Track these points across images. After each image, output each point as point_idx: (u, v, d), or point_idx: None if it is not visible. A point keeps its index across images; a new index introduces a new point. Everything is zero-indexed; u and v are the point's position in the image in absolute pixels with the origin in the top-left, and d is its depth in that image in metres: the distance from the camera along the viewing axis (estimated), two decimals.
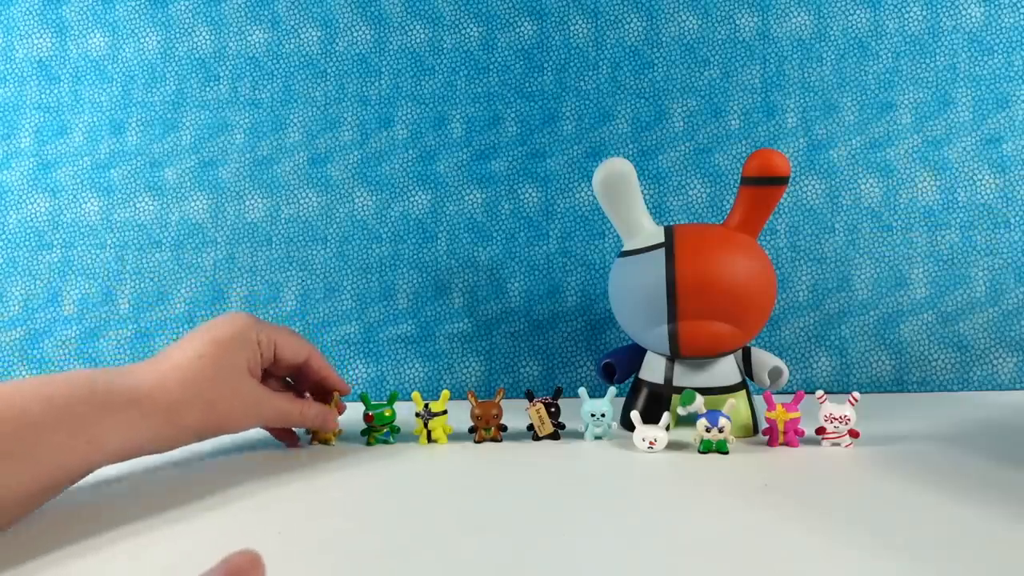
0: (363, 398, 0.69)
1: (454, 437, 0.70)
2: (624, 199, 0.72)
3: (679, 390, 0.70)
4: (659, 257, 0.69)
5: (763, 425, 0.68)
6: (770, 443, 0.65)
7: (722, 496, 0.51)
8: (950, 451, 0.62)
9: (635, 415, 0.66)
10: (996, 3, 0.98)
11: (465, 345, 0.98)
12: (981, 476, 0.54)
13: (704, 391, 0.69)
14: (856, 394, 0.65)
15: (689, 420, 0.68)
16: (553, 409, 0.69)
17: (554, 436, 0.69)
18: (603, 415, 0.68)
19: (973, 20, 0.98)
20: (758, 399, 0.73)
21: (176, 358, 0.51)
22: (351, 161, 1.00)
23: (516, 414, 0.72)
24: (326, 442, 0.69)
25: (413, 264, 0.99)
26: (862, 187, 0.98)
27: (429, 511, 0.48)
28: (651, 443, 0.64)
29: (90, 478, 0.50)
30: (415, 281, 0.99)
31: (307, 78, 1.01)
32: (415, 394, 0.69)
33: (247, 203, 0.99)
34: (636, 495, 0.52)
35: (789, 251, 0.97)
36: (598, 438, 0.69)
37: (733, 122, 0.99)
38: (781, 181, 0.68)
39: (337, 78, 1.01)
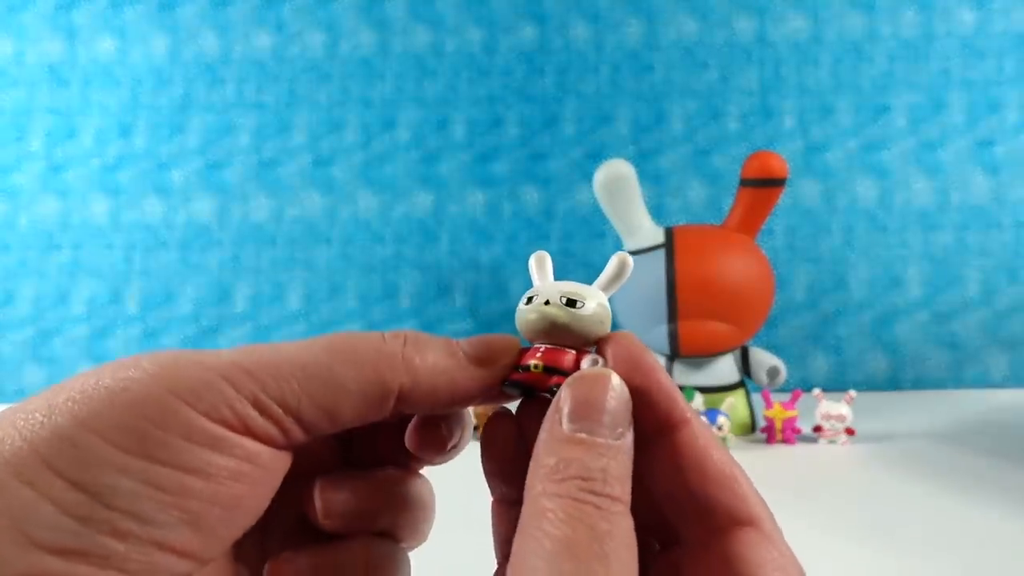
0: None
1: None
2: (624, 200, 0.73)
3: (678, 389, 0.71)
4: (659, 257, 0.70)
5: (761, 423, 0.70)
6: (768, 441, 0.66)
7: None
8: (944, 448, 0.63)
9: None
10: (988, 9, 1.00)
11: None
12: (975, 472, 0.55)
13: (703, 390, 0.70)
14: (852, 392, 0.66)
15: None
16: None
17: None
18: None
19: (965, 26, 1.00)
20: (756, 397, 0.74)
21: None
22: (355, 163, 1.01)
23: None
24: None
25: (416, 264, 1.00)
26: (858, 188, 0.99)
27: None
28: None
29: None
30: (417, 281, 1.00)
31: (311, 81, 1.02)
32: None
33: (252, 204, 1.01)
34: None
35: (786, 251, 0.99)
36: None
37: (731, 124, 1.01)
38: (779, 182, 0.69)
39: (341, 81, 1.02)
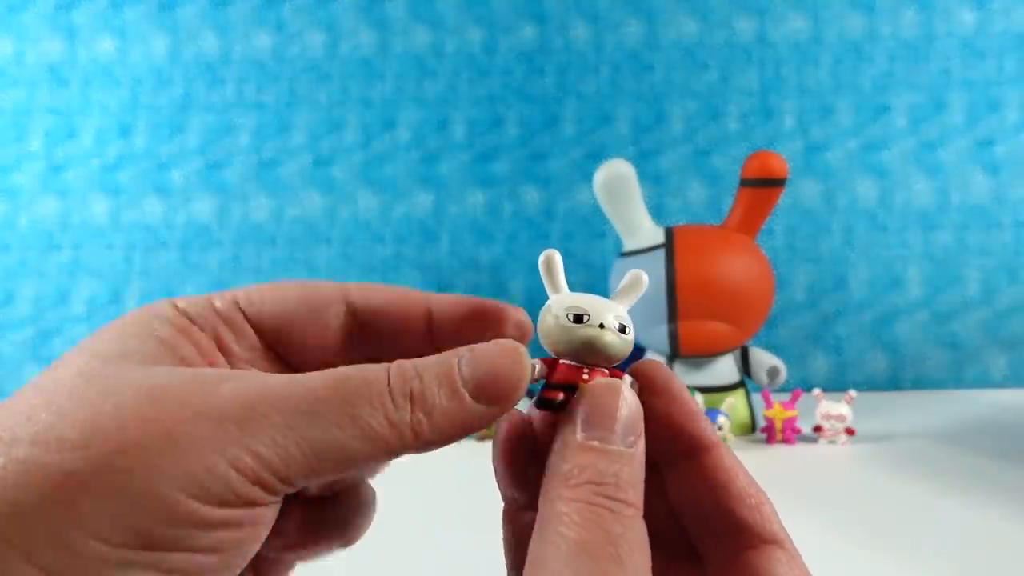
0: None
1: None
2: (624, 200, 0.73)
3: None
4: (659, 257, 0.70)
5: (761, 423, 0.70)
6: (768, 441, 0.66)
7: None
8: (944, 448, 0.63)
9: None
10: (988, 9, 1.00)
11: None
12: (975, 472, 0.55)
13: (703, 390, 0.70)
14: (852, 392, 0.66)
15: None
16: None
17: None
18: None
19: (965, 26, 1.00)
20: (756, 397, 0.74)
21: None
22: (355, 163, 1.01)
23: None
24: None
25: (416, 264, 1.00)
26: (858, 188, 0.99)
27: (430, 509, 0.48)
28: None
29: None
30: (417, 281, 1.00)
31: (311, 81, 1.02)
32: None
33: (252, 204, 1.01)
34: None
35: (786, 251, 0.99)
36: None
37: (731, 124, 1.01)
38: (779, 182, 0.69)
39: (341, 81, 1.02)
